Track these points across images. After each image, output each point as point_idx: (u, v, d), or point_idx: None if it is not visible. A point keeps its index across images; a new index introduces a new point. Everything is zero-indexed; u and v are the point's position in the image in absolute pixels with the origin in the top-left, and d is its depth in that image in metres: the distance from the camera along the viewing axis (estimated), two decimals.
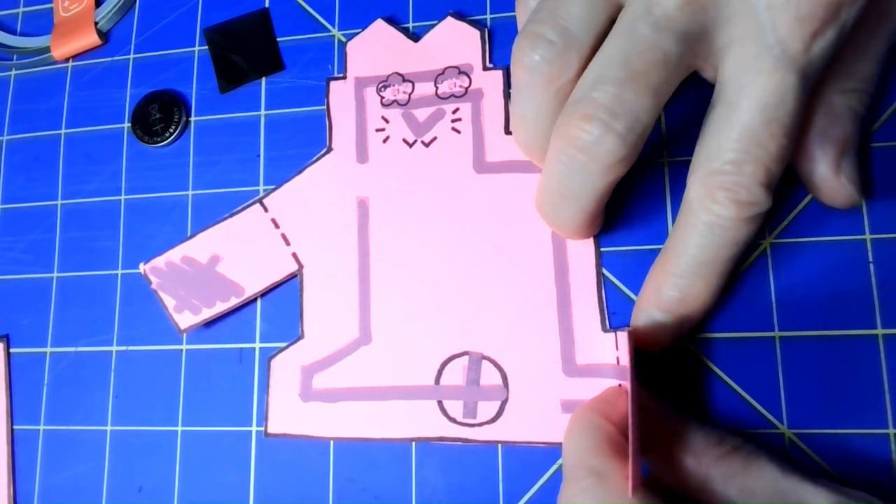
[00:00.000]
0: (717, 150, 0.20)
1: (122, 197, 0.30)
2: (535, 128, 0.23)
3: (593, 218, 0.23)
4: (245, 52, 0.30)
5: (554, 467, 0.24)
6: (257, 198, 0.28)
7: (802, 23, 0.19)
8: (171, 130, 0.30)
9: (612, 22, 0.21)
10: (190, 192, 0.29)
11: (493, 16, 0.28)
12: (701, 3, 0.20)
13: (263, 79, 0.30)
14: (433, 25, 0.28)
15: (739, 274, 0.24)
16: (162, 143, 0.30)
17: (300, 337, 0.27)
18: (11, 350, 0.30)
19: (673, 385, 0.24)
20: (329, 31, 0.30)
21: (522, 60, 0.21)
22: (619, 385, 0.23)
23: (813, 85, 0.20)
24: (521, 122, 0.23)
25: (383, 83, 0.28)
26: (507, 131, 0.27)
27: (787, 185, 0.25)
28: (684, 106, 0.26)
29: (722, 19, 0.20)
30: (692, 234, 0.21)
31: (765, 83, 0.19)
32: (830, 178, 0.22)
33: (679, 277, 0.22)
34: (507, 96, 0.27)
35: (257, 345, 0.27)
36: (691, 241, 0.21)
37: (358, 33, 0.29)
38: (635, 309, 0.23)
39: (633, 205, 0.25)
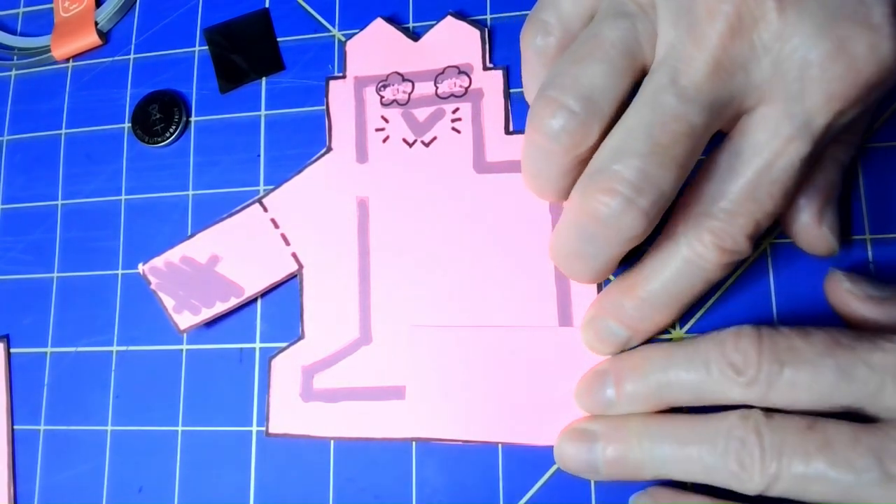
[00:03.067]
0: (714, 195, 0.20)
1: (123, 197, 0.30)
2: (549, 185, 0.23)
3: (607, 271, 0.22)
4: (245, 52, 0.30)
5: (554, 467, 0.24)
6: (257, 198, 0.28)
7: (832, 100, 0.19)
8: (172, 130, 0.30)
9: (635, 88, 0.21)
10: (190, 193, 0.29)
11: (493, 15, 0.28)
12: (730, 69, 0.19)
13: (263, 79, 0.30)
14: (433, 25, 0.28)
15: (740, 274, 0.24)
16: (162, 144, 0.30)
17: (300, 337, 0.27)
18: (12, 350, 0.30)
19: None
20: (329, 30, 0.30)
21: (542, 127, 0.21)
22: None
23: (820, 151, 0.20)
24: (535, 178, 0.23)
25: (383, 83, 0.28)
26: (508, 131, 0.27)
27: None
28: None
29: (752, 86, 0.19)
30: (669, 264, 0.21)
31: (779, 148, 0.19)
32: (812, 228, 0.22)
33: (644, 301, 0.22)
34: (507, 96, 0.27)
35: (257, 345, 0.27)
36: (666, 271, 0.21)
37: (358, 33, 0.29)
38: (591, 314, 0.23)
39: None
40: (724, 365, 0.20)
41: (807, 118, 0.19)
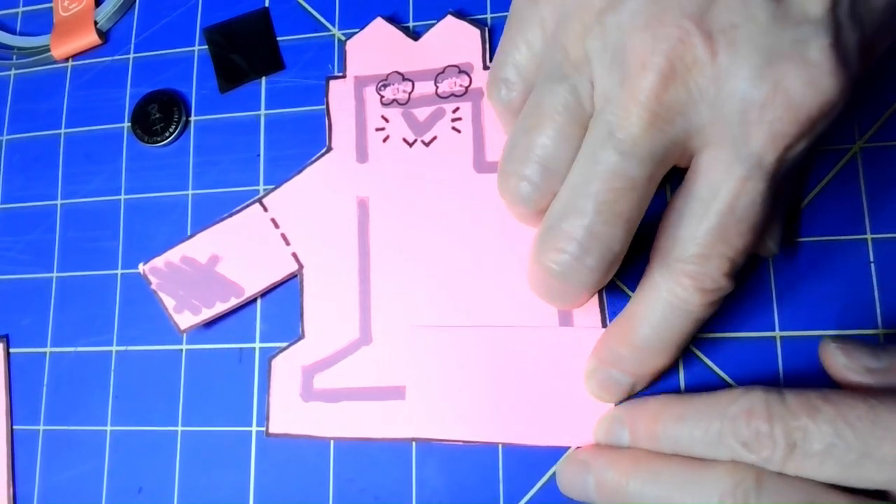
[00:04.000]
0: (684, 241, 0.20)
1: (122, 197, 0.30)
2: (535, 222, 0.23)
3: (586, 300, 0.23)
4: (245, 52, 0.30)
5: (554, 467, 0.24)
6: (257, 197, 0.28)
7: (776, 139, 0.18)
8: (171, 130, 0.30)
9: None
10: (190, 192, 0.29)
11: (493, 15, 0.28)
12: (667, 118, 0.19)
13: (263, 78, 0.30)
14: (433, 24, 0.28)
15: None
16: (162, 143, 0.30)
17: (300, 337, 0.27)
18: (11, 350, 0.30)
19: (673, 385, 0.24)
20: (329, 30, 0.30)
21: (508, 197, 0.22)
22: None
23: (780, 182, 0.20)
24: (521, 217, 0.24)
25: (383, 82, 0.28)
26: None
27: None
28: None
29: (694, 129, 0.19)
30: (654, 311, 0.21)
31: (737, 189, 0.19)
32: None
33: (637, 347, 0.22)
34: None
35: (257, 345, 0.27)
36: (653, 317, 0.21)
37: (358, 32, 0.29)
38: (591, 366, 0.24)
39: None
40: (736, 442, 0.20)
41: (756, 160, 0.19)
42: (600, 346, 0.23)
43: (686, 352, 0.24)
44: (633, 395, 0.24)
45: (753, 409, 0.20)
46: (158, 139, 0.30)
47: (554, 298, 0.22)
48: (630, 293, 0.25)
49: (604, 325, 0.25)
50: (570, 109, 0.20)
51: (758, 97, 0.18)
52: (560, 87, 0.20)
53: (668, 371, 0.24)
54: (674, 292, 0.20)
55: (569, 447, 0.24)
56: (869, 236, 0.24)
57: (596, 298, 0.25)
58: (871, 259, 0.24)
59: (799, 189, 0.24)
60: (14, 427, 0.29)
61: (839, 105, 0.18)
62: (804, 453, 0.19)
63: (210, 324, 0.28)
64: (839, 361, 0.22)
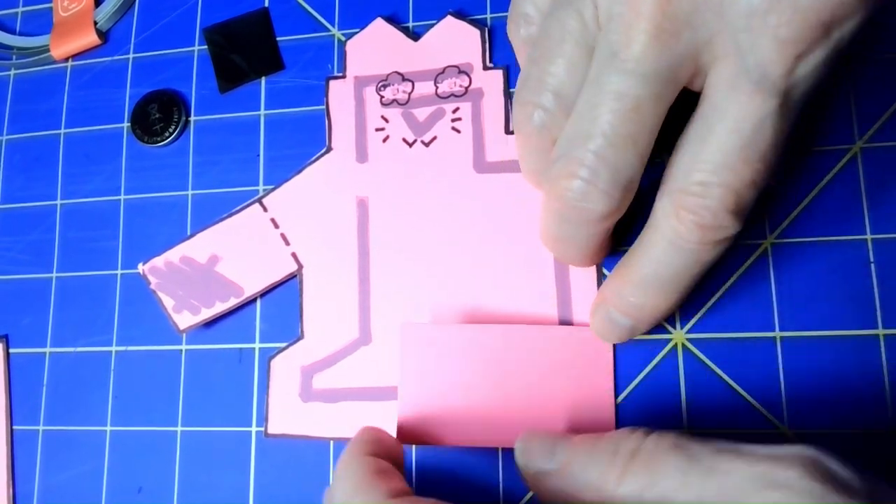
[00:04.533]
0: (687, 169, 0.19)
1: (122, 197, 0.30)
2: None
3: (596, 252, 0.23)
4: (245, 52, 0.30)
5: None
6: (256, 197, 0.28)
7: (784, 46, 0.17)
8: (171, 130, 0.30)
9: None
10: (189, 192, 0.29)
11: (493, 15, 0.28)
12: (673, 31, 0.18)
13: (263, 78, 0.30)
14: (433, 24, 0.28)
15: (740, 274, 0.24)
16: (161, 143, 0.30)
17: (300, 337, 0.27)
18: (11, 350, 0.30)
19: (674, 386, 0.24)
20: (329, 30, 0.30)
21: (523, 128, 0.22)
22: None
23: (801, 108, 0.19)
24: (532, 173, 0.24)
25: (383, 82, 0.28)
26: (508, 131, 0.27)
27: (787, 184, 0.24)
28: (684, 109, 0.25)
29: (701, 41, 0.18)
30: (654, 249, 0.21)
31: (742, 106, 0.18)
32: None
33: (638, 287, 0.21)
34: (507, 95, 0.27)
35: (257, 345, 0.27)
36: (652, 256, 0.21)
37: (358, 32, 0.29)
38: (595, 303, 0.23)
39: (633, 205, 0.25)
40: None
41: (762, 70, 0.18)
42: (605, 284, 0.23)
43: (685, 349, 0.24)
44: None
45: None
46: (158, 139, 0.30)
47: (569, 241, 0.22)
48: None
49: None
50: (575, 35, 0.20)
51: (762, 1, 0.17)
52: (566, 13, 0.20)
53: (669, 371, 0.24)
54: (673, 228, 0.19)
55: None
56: (869, 236, 0.24)
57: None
58: (871, 259, 0.24)
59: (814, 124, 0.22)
60: (14, 427, 0.29)
61: (857, 9, 0.17)
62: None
63: (209, 324, 0.28)
64: (518, 463, 0.21)
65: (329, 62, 0.29)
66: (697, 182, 0.19)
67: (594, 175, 0.19)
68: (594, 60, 0.20)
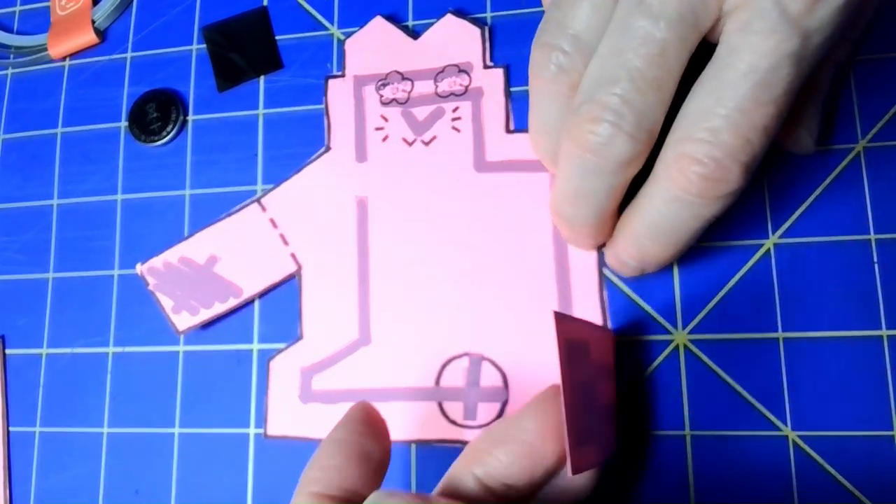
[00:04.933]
0: (696, 114, 0.19)
1: (119, 196, 0.30)
2: (556, 129, 0.22)
3: (607, 218, 0.22)
4: (243, 51, 0.30)
5: None
6: (255, 197, 0.28)
7: None
8: (169, 129, 0.29)
9: None
10: (187, 192, 0.29)
11: (493, 14, 0.28)
12: None
13: (262, 77, 0.29)
14: (433, 23, 0.28)
15: (743, 274, 0.24)
16: (159, 142, 0.29)
17: (299, 338, 0.27)
18: (7, 351, 0.29)
19: (675, 387, 0.24)
20: (328, 29, 0.29)
21: (540, 72, 0.21)
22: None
23: (820, 56, 0.18)
24: (542, 130, 0.23)
25: (382, 81, 0.28)
26: (508, 130, 0.27)
27: (788, 184, 0.24)
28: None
29: None
30: (654, 200, 0.20)
31: (758, 45, 0.18)
32: (788, 126, 0.21)
33: (639, 236, 0.21)
34: (507, 95, 0.27)
35: (255, 346, 0.27)
36: (653, 207, 0.20)
37: (357, 31, 0.29)
38: (609, 241, 0.23)
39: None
40: None
41: (781, 8, 0.17)
42: (616, 228, 0.23)
43: (686, 350, 0.24)
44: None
45: None
46: (156, 138, 0.29)
47: (583, 196, 0.21)
48: (632, 293, 0.25)
49: (604, 322, 0.24)
50: None
51: None
52: None
53: (670, 373, 0.24)
54: (675, 181, 0.19)
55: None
56: (873, 236, 0.24)
57: (597, 298, 0.25)
58: (875, 259, 0.24)
59: (840, 80, 0.21)
60: (10, 429, 0.29)
61: None
62: None
63: (208, 325, 0.27)
64: None
65: (328, 61, 0.29)
66: (706, 128, 0.18)
67: (620, 118, 0.19)
68: (619, 5, 0.19)
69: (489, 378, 0.25)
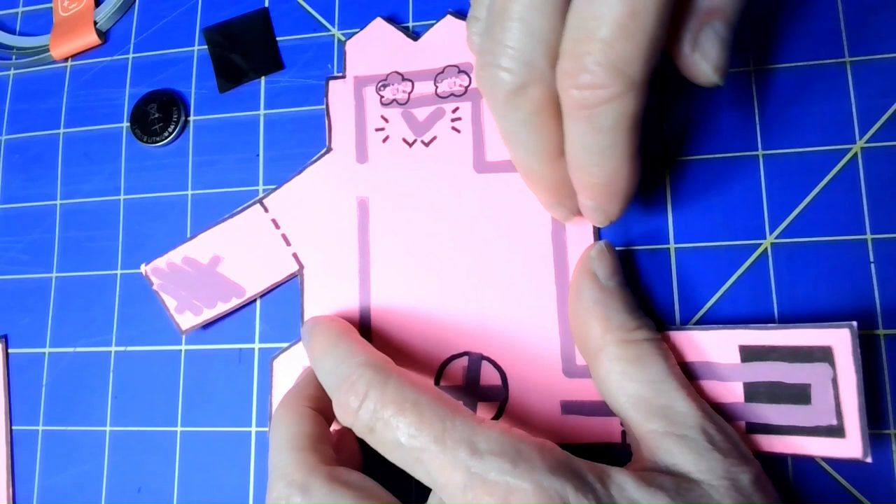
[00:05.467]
0: (567, 29, 0.18)
1: (121, 197, 0.30)
2: (537, 152, 0.21)
3: (551, 161, 0.21)
4: (244, 52, 0.30)
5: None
6: (258, 198, 0.28)
7: None
8: (170, 130, 0.30)
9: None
10: (189, 192, 0.29)
11: None
12: None
13: (263, 78, 0.30)
14: (433, 24, 0.28)
15: (740, 274, 0.24)
16: (161, 143, 0.30)
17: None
18: (10, 350, 0.30)
19: None
20: (329, 30, 0.29)
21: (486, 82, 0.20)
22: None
23: None
24: (526, 157, 0.22)
25: (383, 82, 0.28)
26: None
27: (786, 183, 0.25)
28: (684, 106, 0.25)
29: None
30: (567, 134, 0.20)
31: None
32: (685, 54, 0.20)
33: (578, 176, 0.21)
34: None
35: (257, 345, 0.27)
36: (569, 141, 0.20)
37: (357, 32, 0.29)
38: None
39: (632, 204, 0.25)
40: (335, 399, 0.22)
41: None
42: None
43: None
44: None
45: (355, 383, 0.21)
46: (158, 139, 0.30)
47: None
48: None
49: None
50: None
51: None
52: None
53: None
54: (565, 103, 0.19)
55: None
56: (869, 236, 0.24)
57: None
58: (872, 259, 0.24)
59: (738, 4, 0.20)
60: (13, 427, 0.29)
61: None
62: (379, 441, 0.20)
63: (209, 324, 0.28)
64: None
65: (329, 62, 0.29)
66: (570, 38, 0.18)
67: (495, 58, 0.19)
68: None
69: (488, 377, 0.25)
